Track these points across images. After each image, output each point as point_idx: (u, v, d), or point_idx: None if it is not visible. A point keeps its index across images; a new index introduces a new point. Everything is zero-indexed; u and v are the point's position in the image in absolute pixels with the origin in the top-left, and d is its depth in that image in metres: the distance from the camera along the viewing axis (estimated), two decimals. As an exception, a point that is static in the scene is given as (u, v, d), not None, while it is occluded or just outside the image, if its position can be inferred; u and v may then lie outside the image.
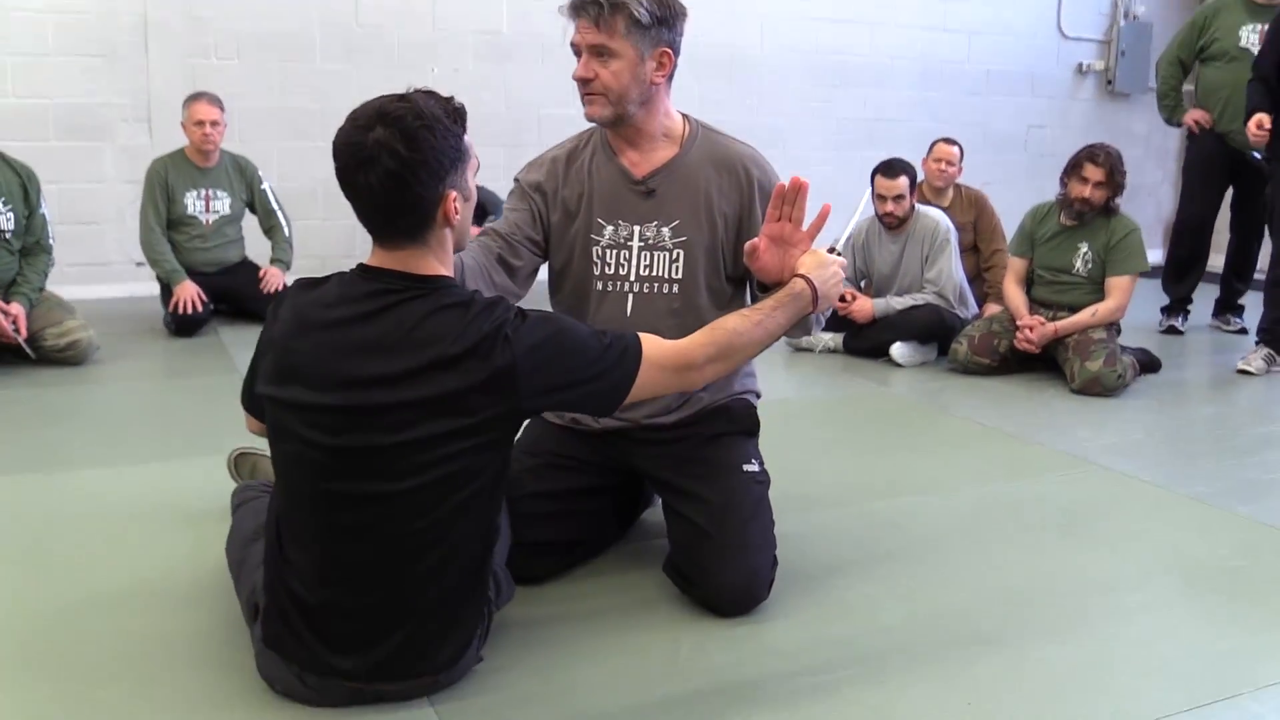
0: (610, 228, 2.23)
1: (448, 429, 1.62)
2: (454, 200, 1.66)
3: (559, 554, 2.27)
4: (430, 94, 1.67)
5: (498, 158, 6.20)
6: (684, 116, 2.28)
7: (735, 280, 2.28)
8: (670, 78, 2.18)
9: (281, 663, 1.74)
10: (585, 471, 2.29)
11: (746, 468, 2.23)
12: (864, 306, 4.41)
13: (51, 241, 4.17)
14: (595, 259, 2.25)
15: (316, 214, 5.95)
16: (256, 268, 4.98)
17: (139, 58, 5.45)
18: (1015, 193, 7.82)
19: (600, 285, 2.26)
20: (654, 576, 2.26)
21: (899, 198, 4.33)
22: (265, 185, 4.98)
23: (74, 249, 5.36)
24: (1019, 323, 4.13)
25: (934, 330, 4.34)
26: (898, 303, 4.39)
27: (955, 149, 4.85)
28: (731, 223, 2.23)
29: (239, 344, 4.52)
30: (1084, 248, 4.12)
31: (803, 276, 1.95)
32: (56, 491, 2.77)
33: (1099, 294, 4.10)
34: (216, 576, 2.18)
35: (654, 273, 2.22)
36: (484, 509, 1.73)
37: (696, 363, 1.81)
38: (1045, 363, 4.18)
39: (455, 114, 1.67)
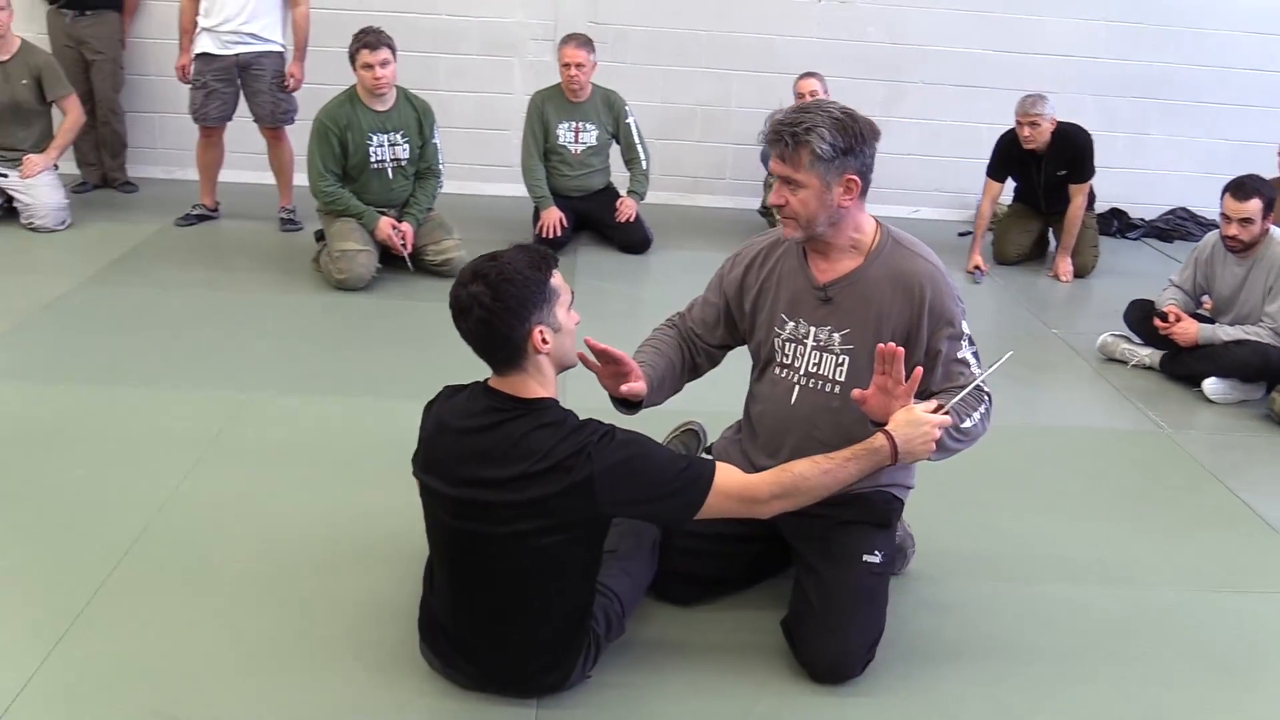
0: (791, 323, 2.44)
1: (539, 526, 2.01)
2: (539, 333, 2.00)
3: (703, 586, 2.60)
4: (523, 248, 2.03)
5: (876, 92, 6.25)
6: (878, 227, 2.40)
7: None
8: (864, 194, 2.31)
9: (429, 652, 2.27)
10: (739, 522, 2.55)
11: (867, 558, 2.41)
12: (1188, 330, 4.13)
13: (441, 167, 4.92)
14: (776, 348, 2.48)
15: (693, 135, 6.36)
16: (617, 194, 5.50)
17: (550, -18, 6.05)
18: None
19: (777, 370, 2.49)
20: (777, 625, 2.53)
21: (1245, 221, 3.96)
22: (630, 120, 5.43)
23: (483, 151, 6.20)
24: (1352, 386, 3.72)
25: (1256, 371, 4.00)
26: (1225, 333, 4.07)
27: None
28: (899, 337, 2.34)
29: (587, 270, 5.10)
30: None
31: (886, 432, 2.09)
32: (379, 416, 3.48)
33: None
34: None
35: (821, 371, 2.42)
36: (577, 585, 2.13)
37: (761, 498, 2.06)
38: (1385, 429, 3.75)
39: (541, 263, 2.00)
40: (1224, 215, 4.03)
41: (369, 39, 4.52)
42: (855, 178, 2.25)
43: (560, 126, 5.34)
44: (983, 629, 2.61)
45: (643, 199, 5.49)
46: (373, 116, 4.66)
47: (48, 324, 4.10)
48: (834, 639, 2.34)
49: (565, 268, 5.35)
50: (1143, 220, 6.47)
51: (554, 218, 5.24)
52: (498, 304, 1.97)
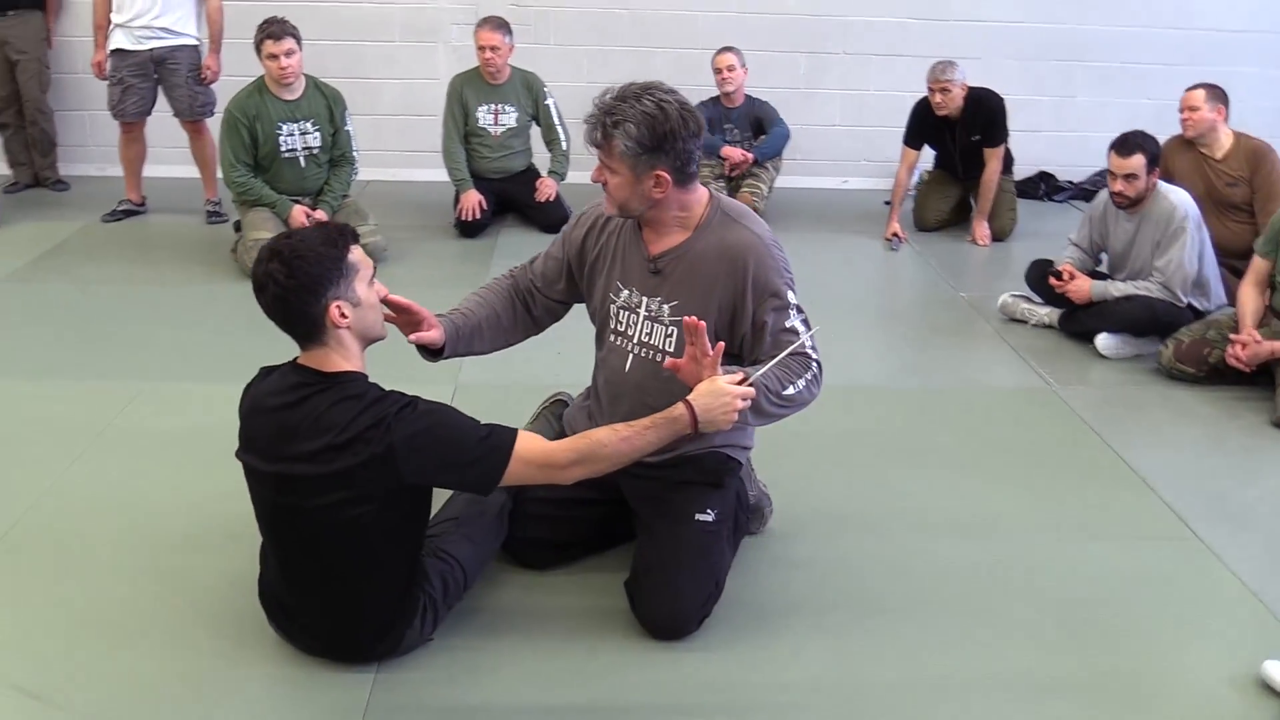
0: (626, 291, 2.50)
1: (346, 498, 2.07)
2: (336, 308, 2.06)
3: (555, 550, 2.67)
4: (321, 225, 2.11)
5: (798, 64, 6.29)
6: (710, 200, 2.45)
7: (727, 354, 2.45)
8: (683, 183, 2.35)
9: (272, 623, 2.34)
10: (585, 486, 2.59)
11: (699, 517, 2.48)
12: (1081, 287, 4.19)
13: (355, 154, 4.96)
14: (611, 314, 2.54)
15: (619, 114, 6.38)
16: (538, 175, 5.55)
17: (469, -35, 6.07)
18: None
19: (612, 338, 2.55)
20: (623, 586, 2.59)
21: (1130, 177, 4.01)
22: (550, 101, 5.48)
23: (411, 137, 6.24)
24: (1233, 336, 3.77)
25: (1145, 325, 4.05)
26: (1116, 289, 4.13)
27: (1199, 92, 4.46)
28: (725, 309, 2.40)
29: (507, 251, 5.15)
30: (1333, 262, 3.64)
31: (687, 402, 2.16)
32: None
33: (1342, 315, 3.63)
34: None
35: (652, 341, 2.47)
36: (397, 554, 2.19)
37: (560, 464, 2.12)
38: (1269, 378, 3.80)
39: (338, 239, 2.06)
40: (1110, 172, 4.09)
41: (273, 29, 4.57)
42: (665, 173, 2.29)
43: (480, 109, 5.39)
44: (831, 583, 2.68)
45: (563, 179, 5.54)
46: (281, 106, 4.71)
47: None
48: (667, 596, 2.41)
49: (485, 249, 5.42)
50: (1070, 183, 6.52)
51: (473, 200, 5.29)
52: (292, 281, 2.02)
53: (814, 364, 2.40)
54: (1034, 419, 3.64)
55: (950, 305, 4.71)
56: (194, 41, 5.24)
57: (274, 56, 4.57)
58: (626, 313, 2.51)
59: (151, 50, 5.13)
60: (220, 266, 4.84)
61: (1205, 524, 2.98)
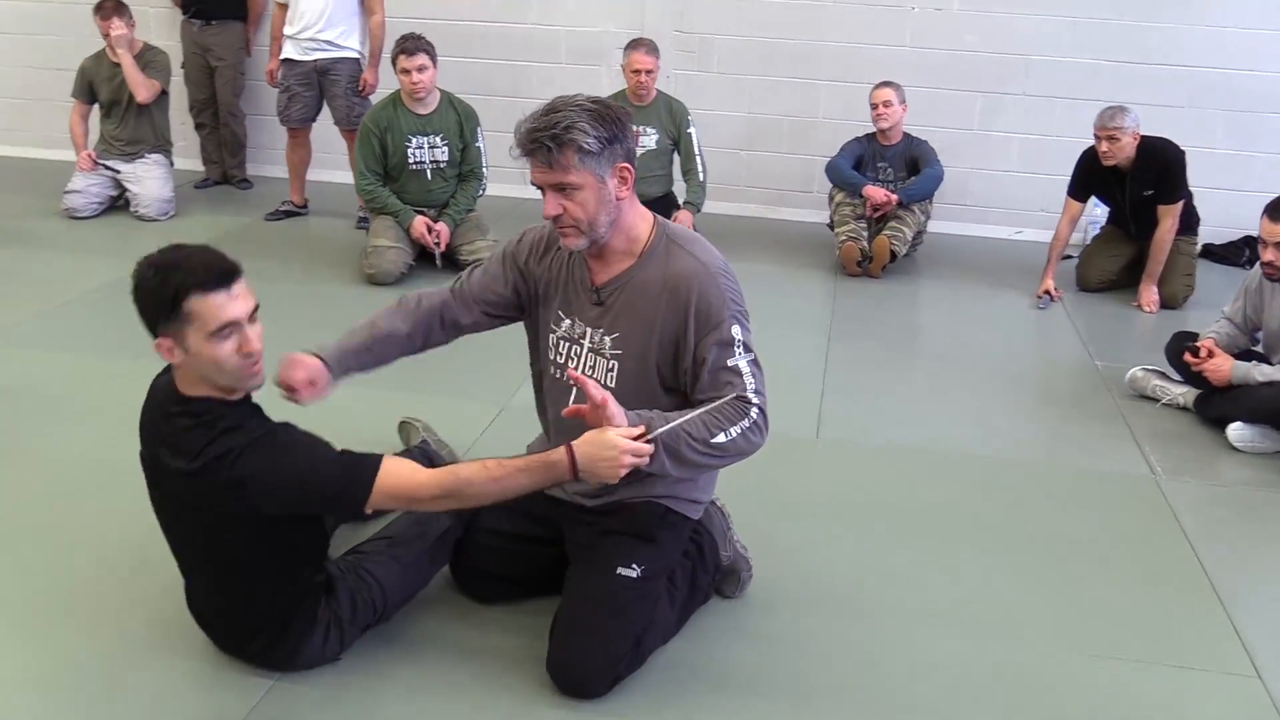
0: (568, 321, 2.36)
1: (205, 521, 2.06)
2: (163, 345, 1.98)
3: (501, 584, 2.55)
4: (203, 252, 2.01)
5: (973, 103, 5.91)
6: (655, 224, 2.29)
7: (674, 390, 2.29)
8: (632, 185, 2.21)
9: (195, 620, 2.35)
10: (534, 523, 2.49)
11: (622, 570, 2.29)
12: (1220, 366, 3.65)
13: (484, 170, 5.03)
14: (551, 345, 2.40)
15: (781, 147, 6.20)
16: (676, 204, 5.43)
17: (637, -10, 6.07)
18: None
19: (553, 370, 2.41)
20: (556, 633, 2.44)
21: (1283, 247, 3.47)
22: (692, 129, 5.36)
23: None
24: None
25: (1284, 417, 3.49)
26: (1261, 373, 3.57)
27: None
28: (668, 341, 2.24)
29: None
30: None
31: (570, 447, 2.01)
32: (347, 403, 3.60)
33: None
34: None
35: (594, 375, 2.31)
36: (274, 572, 2.15)
37: (423, 498, 2.03)
38: None
39: (177, 287, 1.93)
40: (1260, 239, 3.55)
41: (407, 45, 4.71)
42: (627, 165, 2.16)
43: (621, 132, 5.34)
44: (787, 665, 2.42)
45: (699, 210, 5.38)
46: (413, 119, 4.83)
47: (97, 301, 4.49)
48: (573, 650, 2.25)
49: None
50: (1282, 250, 5.75)
51: (602, 223, 5.24)
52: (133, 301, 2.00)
53: (754, 410, 2.18)
54: (1117, 511, 3.18)
55: (1080, 374, 4.22)
56: (355, 55, 5.48)
57: (406, 71, 4.70)
58: (568, 344, 2.36)
59: (315, 61, 5.42)
60: (349, 269, 5.01)
61: (1278, 666, 2.50)
